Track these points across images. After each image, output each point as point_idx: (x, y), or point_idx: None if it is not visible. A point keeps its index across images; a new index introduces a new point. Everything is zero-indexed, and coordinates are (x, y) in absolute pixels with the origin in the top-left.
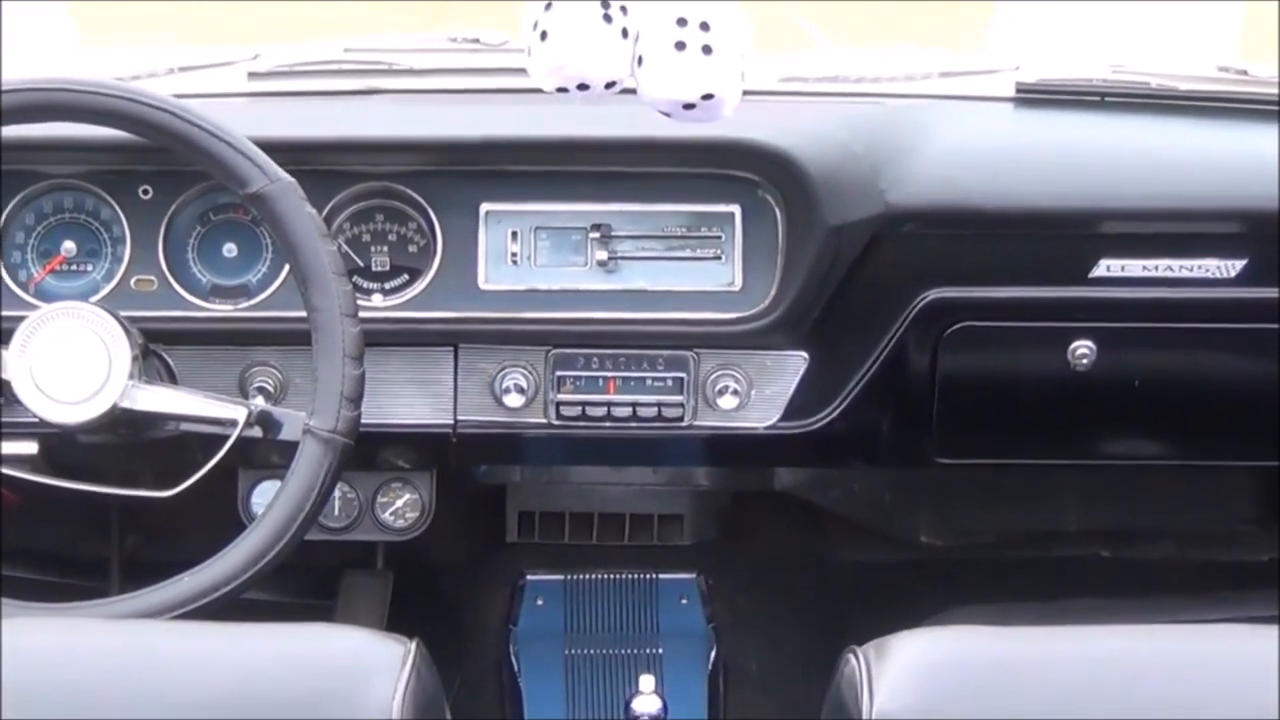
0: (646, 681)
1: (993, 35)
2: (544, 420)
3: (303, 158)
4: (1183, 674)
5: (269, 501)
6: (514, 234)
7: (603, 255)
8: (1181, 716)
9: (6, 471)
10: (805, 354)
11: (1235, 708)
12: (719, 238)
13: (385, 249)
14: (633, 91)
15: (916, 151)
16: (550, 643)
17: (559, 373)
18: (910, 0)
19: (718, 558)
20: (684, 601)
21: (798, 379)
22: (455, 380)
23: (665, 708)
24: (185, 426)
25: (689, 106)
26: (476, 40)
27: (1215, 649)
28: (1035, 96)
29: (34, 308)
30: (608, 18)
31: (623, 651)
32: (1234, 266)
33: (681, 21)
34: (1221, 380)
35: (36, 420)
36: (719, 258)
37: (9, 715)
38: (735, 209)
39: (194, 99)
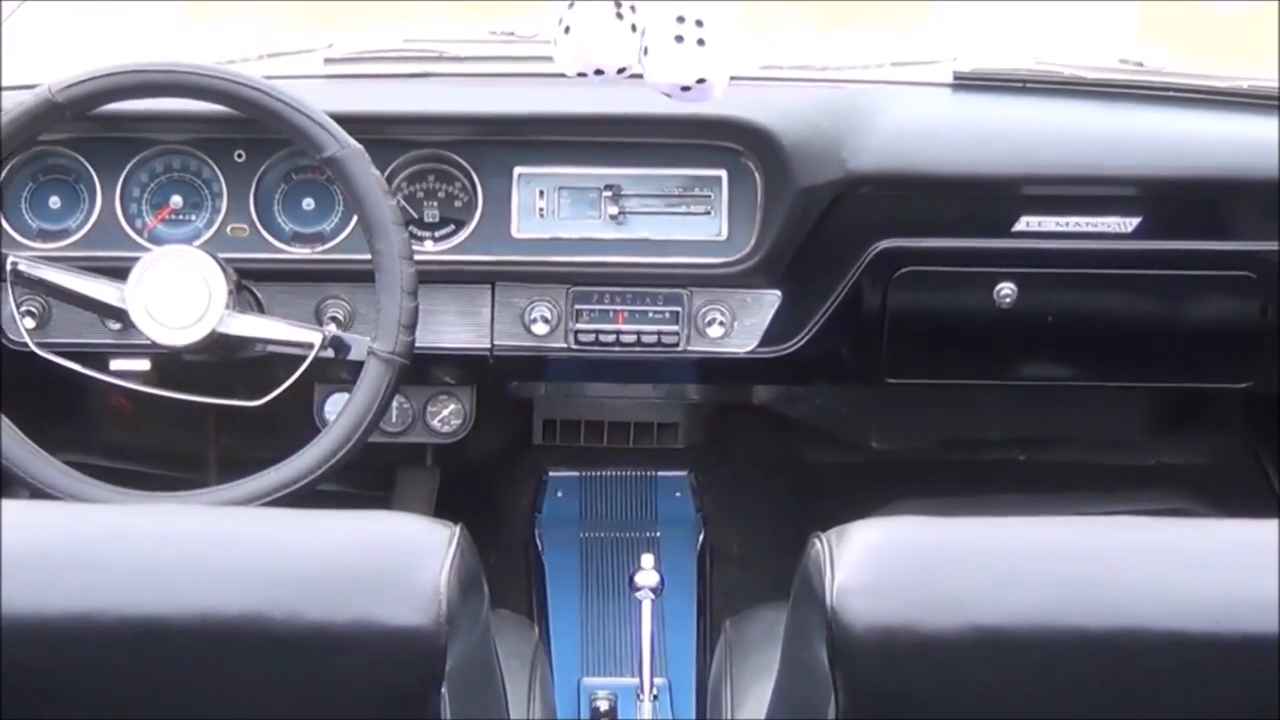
0: (647, 560)
1: (929, 30)
2: (565, 345)
3: (369, 128)
4: (1093, 558)
5: (339, 410)
6: (541, 192)
7: (614, 210)
8: (1089, 592)
9: (123, 384)
10: (779, 292)
11: (1137, 588)
12: (709, 196)
13: (435, 204)
14: (639, 76)
15: (871, 127)
16: (568, 528)
17: (577, 306)
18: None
19: (706, 459)
20: (678, 494)
21: (772, 312)
22: (492, 312)
23: (662, 581)
24: (271, 348)
25: (686, 89)
26: (512, 33)
27: (1121, 537)
28: (969, 83)
29: (147, 250)
30: (619, 15)
31: (627, 535)
32: (1130, 223)
33: (680, 19)
34: (1119, 317)
35: (149, 342)
36: (709, 213)
37: (125, 584)
38: (722, 173)
39: (280, 80)
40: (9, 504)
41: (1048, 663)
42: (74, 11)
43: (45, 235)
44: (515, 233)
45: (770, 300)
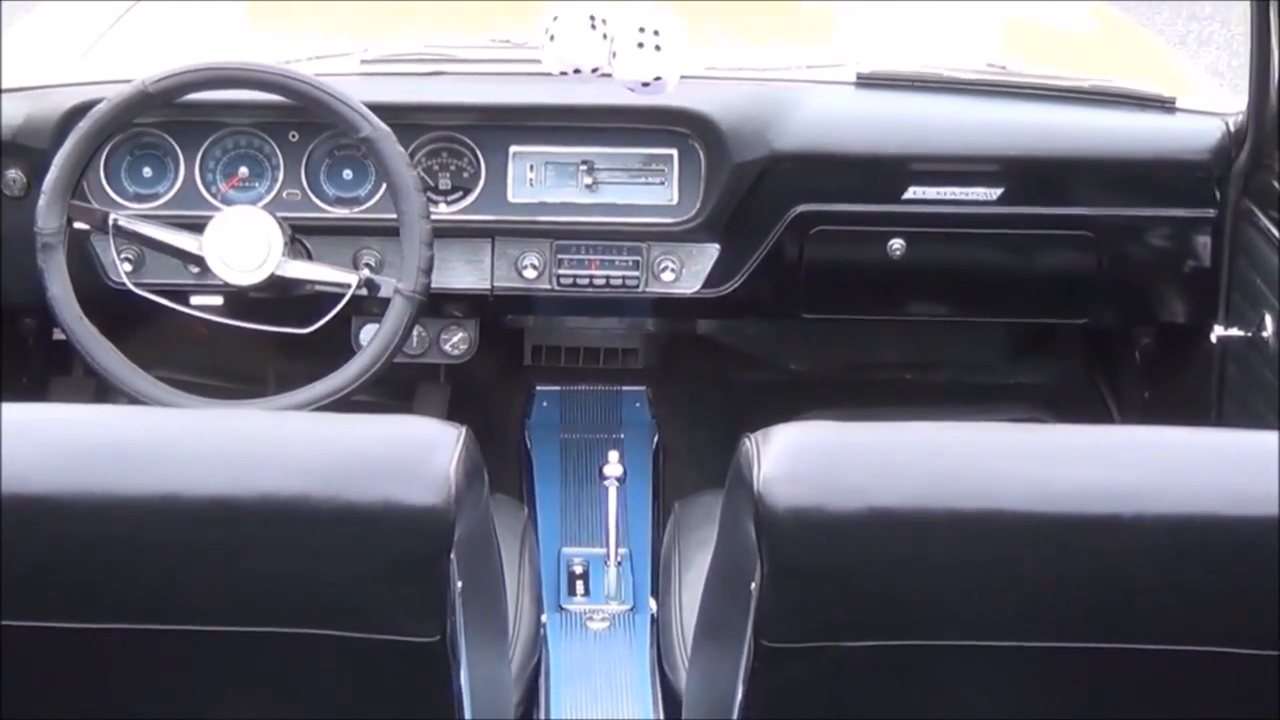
0: (613, 456)
1: (837, 40)
2: (549, 287)
3: (395, 115)
4: (963, 454)
5: (371, 337)
6: (531, 166)
7: (589, 181)
8: (960, 481)
9: (201, 315)
10: (718, 245)
11: (998, 478)
12: (663, 170)
13: (448, 175)
14: (609, 74)
15: (792, 116)
16: (551, 431)
17: (559, 256)
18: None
19: (660, 377)
20: (637, 405)
21: (713, 262)
22: (492, 260)
23: (625, 473)
24: (317, 287)
25: (646, 84)
26: (508, 40)
27: (985, 438)
28: (869, 82)
29: (220, 210)
30: (593, 26)
31: (598, 437)
32: (994, 193)
33: (642, 29)
34: (985, 266)
35: (221, 283)
36: (663, 183)
37: (201, 471)
38: (674, 151)
39: (325, 76)
40: (112, 408)
41: (927, 536)
42: (150, 26)
43: (139, 198)
44: (511, 198)
45: (711, 252)
